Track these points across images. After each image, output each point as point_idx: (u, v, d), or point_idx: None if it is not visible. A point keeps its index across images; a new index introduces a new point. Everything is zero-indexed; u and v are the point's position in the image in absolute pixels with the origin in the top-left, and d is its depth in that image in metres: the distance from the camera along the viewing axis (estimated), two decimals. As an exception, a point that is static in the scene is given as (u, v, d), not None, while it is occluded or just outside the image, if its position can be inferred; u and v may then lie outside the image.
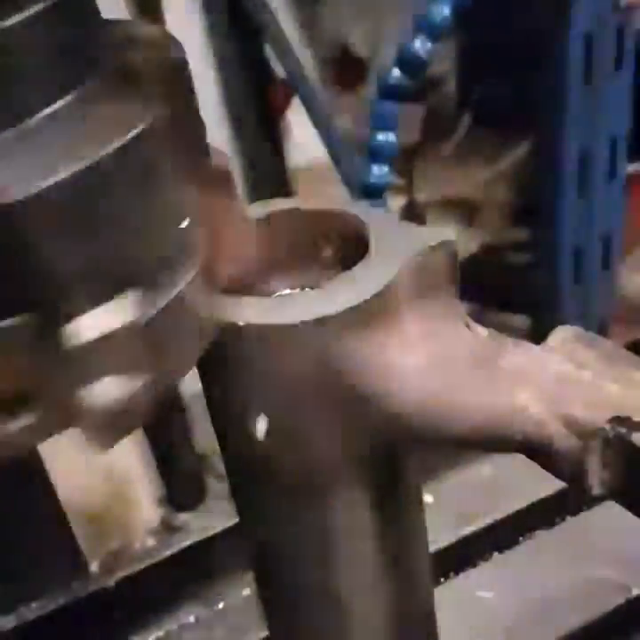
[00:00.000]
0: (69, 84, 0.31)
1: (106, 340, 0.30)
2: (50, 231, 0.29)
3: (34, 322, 0.30)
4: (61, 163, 0.29)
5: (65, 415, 0.31)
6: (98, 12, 0.34)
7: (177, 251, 0.33)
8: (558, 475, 0.35)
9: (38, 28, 0.30)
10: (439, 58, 1.14)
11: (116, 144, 0.30)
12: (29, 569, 0.84)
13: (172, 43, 0.35)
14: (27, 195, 0.28)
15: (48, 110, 0.30)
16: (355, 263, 0.39)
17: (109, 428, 0.31)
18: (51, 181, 0.28)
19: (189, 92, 0.35)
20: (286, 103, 1.48)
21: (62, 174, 0.29)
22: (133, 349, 0.31)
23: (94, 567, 0.97)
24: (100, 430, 0.31)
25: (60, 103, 0.31)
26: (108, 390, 0.30)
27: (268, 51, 1.39)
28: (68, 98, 0.31)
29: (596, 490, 0.34)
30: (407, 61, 1.03)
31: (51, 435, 0.32)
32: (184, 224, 0.33)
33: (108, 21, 0.35)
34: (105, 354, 0.30)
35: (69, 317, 0.30)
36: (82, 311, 0.30)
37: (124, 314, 0.31)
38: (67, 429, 0.32)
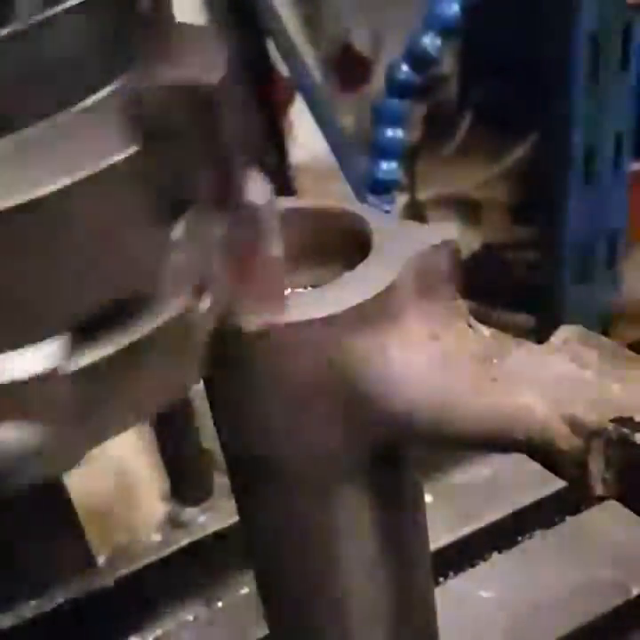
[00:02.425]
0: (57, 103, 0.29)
1: (11, 385, 0.27)
2: None
3: None
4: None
5: None
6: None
7: (136, 298, 0.30)
8: (560, 475, 0.35)
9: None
10: (441, 57, 1.14)
11: (57, 185, 0.27)
12: (33, 566, 0.83)
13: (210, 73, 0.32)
14: None
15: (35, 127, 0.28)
16: (356, 262, 0.39)
17: None
18: None
19: (213, 132, 0.32)
20: (289, 101, 1.48)
21: None
22: (48, 399, 0.28)
23: (100, 563, 0.97)
24: None
25: (44, 122, 0.29)
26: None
27: (271, 49, 1.39)
28: (53, 118, 0.29)
29: (598, 490, 0.34)
30: (416, 58, 1.03)
31: None
32: (146, 272, 0.30)
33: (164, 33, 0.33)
34: (7, 399, 0.27)
35: None
36: None
37: (42, 361, 0.28)
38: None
